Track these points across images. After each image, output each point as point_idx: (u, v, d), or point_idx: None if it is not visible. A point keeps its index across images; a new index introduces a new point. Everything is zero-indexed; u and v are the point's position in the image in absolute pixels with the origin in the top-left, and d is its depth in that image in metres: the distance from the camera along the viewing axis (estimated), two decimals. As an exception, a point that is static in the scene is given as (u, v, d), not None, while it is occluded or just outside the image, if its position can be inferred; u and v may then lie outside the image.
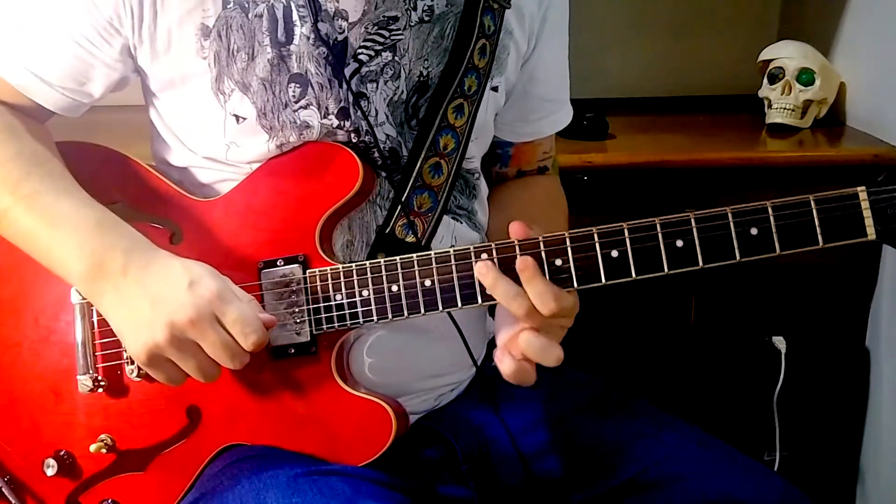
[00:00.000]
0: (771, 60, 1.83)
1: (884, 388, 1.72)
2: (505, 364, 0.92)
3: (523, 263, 0.88)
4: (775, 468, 1.73)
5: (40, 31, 0.98)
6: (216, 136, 1.00)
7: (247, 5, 0.96)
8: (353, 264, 0.95)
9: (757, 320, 1.72)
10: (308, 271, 0.96)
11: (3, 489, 1.01)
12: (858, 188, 0.86)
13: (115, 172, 1.03)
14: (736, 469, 1.02)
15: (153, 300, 0.89)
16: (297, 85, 0.98)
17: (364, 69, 1.00)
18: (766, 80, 1.83)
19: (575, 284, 0.89)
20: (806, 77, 1.76)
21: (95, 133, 1.06)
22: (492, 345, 1.18)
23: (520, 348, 0.91)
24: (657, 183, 1.64)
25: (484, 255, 0.91)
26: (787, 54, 1.80)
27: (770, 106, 1.80)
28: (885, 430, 1.73)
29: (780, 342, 1.71)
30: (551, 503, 1.05)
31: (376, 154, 1.01)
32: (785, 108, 1.77)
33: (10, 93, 1.00)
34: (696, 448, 1.05)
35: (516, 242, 0.90)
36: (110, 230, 0.93)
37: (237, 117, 0.99)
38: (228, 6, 0.96)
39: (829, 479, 1.80)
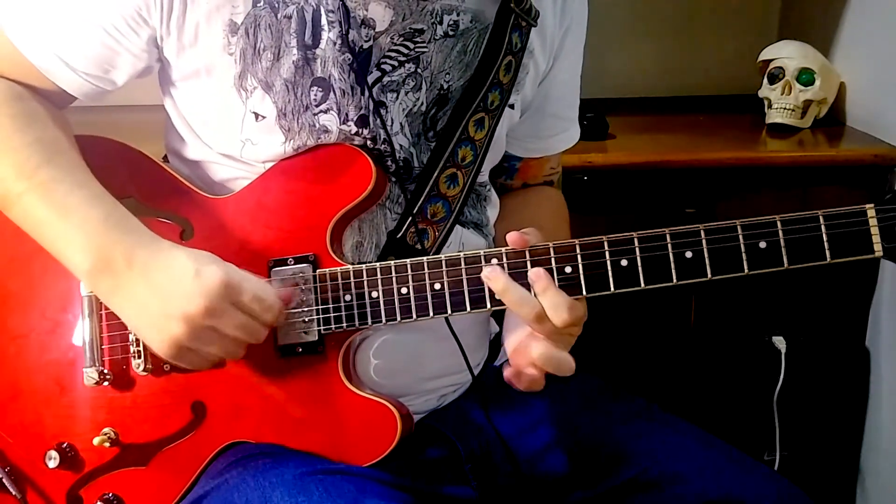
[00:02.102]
0: (771, 60, 1.83)
1: (884, 388, 1.72)
2: (522, 381, 0.94)
3: (536, 275, 0.90)
4: (775, 468, 1.73)
5: (70, 16, 0.98)
6: (233, 132, 1.00)
7: (276, 5, 0.96)
8: (363, 265, 0.95)
9: (757, 320, 1.72)
10: (318, 271, 0.96)
11: (4, 480, 1.01)
12: (867, 205, 0.87)
13: (128, 167, 1.03)
14: (736, 469, 1.02)
15: (163, 295, 0.90)
16: (320, 89, 0.98)
17: (386, 79, 1.00)
18: (766, 80, 1.83)
19: (584, 292, 0.91)
20: (806, 77, 1.76)
21: (103, 132, 1.06)
22: (493, 345, 1.18)
23: (532, 359, 0.92)
24: (657, 183, 1.64)
25: (494, 261, 0.92)
26: (787, 54, 1.80)
27: (770, 106, 1.80)
28: (885, 430, 1.73)
29: (780, 342, 1.71)
30: (552, 503, 1.05)
31: (390, 162, 1.01)
32: (785, 108, 1.77)
33: (35, 76, 1.00)
34: (696, 448, 1.05)
35: (527, 249, 0.91)
36: (116, 225, 0.93)
37: (256, 115, 0.99)
38: (258, 4, 0.96)
39: (829, 479, 1.80)
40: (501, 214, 1.18)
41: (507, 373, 0.96)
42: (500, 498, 1.06)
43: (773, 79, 1.80)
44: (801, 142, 1.74)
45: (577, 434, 1.08)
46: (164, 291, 0.90)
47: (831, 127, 1.80)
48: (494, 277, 0.91)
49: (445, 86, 1.03)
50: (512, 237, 0.92)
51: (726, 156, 1.65)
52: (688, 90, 2.10)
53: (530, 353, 0.92)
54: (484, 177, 1.13)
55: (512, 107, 1.10)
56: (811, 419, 1.77)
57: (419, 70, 1.01)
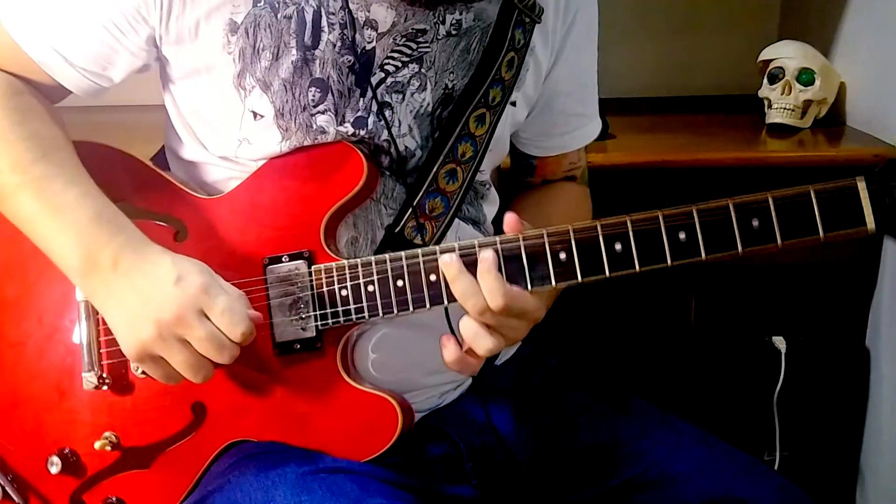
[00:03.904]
0: (771, 60, 1.83)
1: (884, 388, 1.72)
2: (448, 350, 0.92)
3: (482, 255, 0.89)
4: (775, 468, 1.73)
5: (70, 12, 0.98)
6: (231, 130, 1.00)
7: (277, 5, 0.96)
8: (358, 260, 0.95)
9: (757, 320, 1.72)
10: (313, 267, 0.96)
11: (7, 487, 1.01)
12: (857, 178, 0.87)
13: (120, 171, 1.03)
14: (736, 468, 1.02)
15: (142, 298, 0.90)
16: (318, 90, 0.98)
17: (390, 79, 1.00)
18: (766, 80, 1.83)
19: (579, 277, 0.90)
20: (806, 77, 1.76)
21: (96, 133, 1.06)
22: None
23: (459, 330, 0.91)
24: (657, 183, 1.64)
25: (490, 250, 0.91)
26: (787, 54, 1.80)
27: (770, 106, 1.80)
28: (885, 430, 1.73)
29: (780, 342, 1.71)
30: (553, 503, 1.05)
31: (384, 157, 1.01)
32: (785, 108, 1.77)
33: (32, 69, 1.00)
34: (696, 448, 1.05)
35: (520, 235, 0.91)
36: (106, 224, 0.93)
37: (255, 114, 0.99)
38: (259, 4, 0.96)
39: (829, 479, 1.80)
40: (516, 212, 1.17)
41: (445, 355, 0.94)
42: (501, 497, 1.06)
43: (773, 79, 1.80)
44: (801, 142, 1.74)
45: (578, 434, 1.08)
46: (144, 294, 0.90)
47: (831, 127, 1.80)
48: (448, 264, 0.90)
49: (450, 85, 1.03)
50: (509, 219, 0.91)
51: (726, 156, 1.65)
52: (688, 90, 2.10)
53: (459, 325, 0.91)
54: (484, 175, 1.13)
55: (514, 104, 1.09)
56: (811, 419, 1.77)
57: (423, 70, 1.01)
